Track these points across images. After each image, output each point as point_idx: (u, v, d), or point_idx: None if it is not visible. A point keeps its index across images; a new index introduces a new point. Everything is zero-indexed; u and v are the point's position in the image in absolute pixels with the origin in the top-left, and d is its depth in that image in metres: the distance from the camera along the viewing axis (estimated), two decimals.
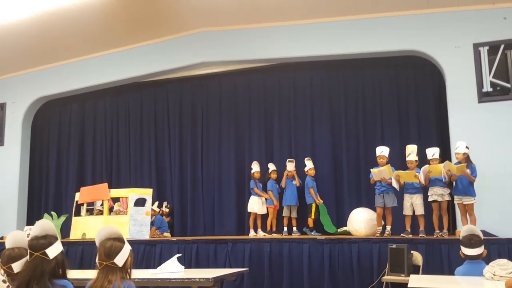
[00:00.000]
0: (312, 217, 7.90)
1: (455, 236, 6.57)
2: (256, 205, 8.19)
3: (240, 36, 8.82)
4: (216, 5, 8.20)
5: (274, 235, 7.85)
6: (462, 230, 4.08)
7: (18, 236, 3.00)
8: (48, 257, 2.66)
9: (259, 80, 9.37)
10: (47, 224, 2.83)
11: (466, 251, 3.87)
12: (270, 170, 8.38)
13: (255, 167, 8.41)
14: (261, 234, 8.03)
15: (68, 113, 10.78)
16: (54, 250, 2.70)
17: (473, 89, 7.30)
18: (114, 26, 8.74)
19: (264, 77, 9.34)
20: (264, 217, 8.25)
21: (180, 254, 5.38)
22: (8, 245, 2.96)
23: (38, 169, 10.72)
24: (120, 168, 10.18)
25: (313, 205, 7.93)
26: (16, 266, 2.84)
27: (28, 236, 2.94)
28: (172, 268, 4.76)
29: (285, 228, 8.03)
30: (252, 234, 8.06)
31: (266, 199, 8.24)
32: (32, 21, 8.25)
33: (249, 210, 8.27)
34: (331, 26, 8.27)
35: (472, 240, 3.87)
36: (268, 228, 8.15)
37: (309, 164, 8.12)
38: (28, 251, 2.69)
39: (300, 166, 8.33)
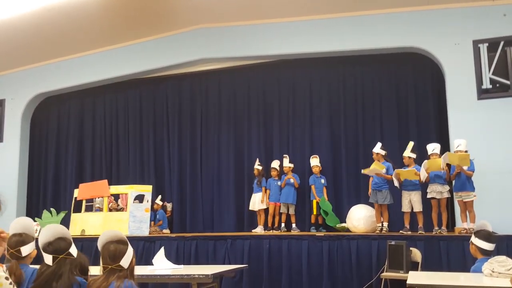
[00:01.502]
0: (314, 213, 7.92)
1: (454, 233, 6.59)
2: (252, 202, 8.24)
3: (239, 32, 8.80)
4: (215, 2, 8.17)
5: (274, 232, 7.86)
6: (477, 225, 4.06)
7: (25, 223, 3.11)
8: (73, 256, 2.76)
9: (258, 77, 9.36)
10: (59, 228, 2.89)
11: (486, 245, 3.83)
12: (271, 167, 8.35)
13: (256, 165, 8.42)
14: (261, 230, 8.05)
15: (67, 110, 10.77)
16: (75, 249, 2.81)
17: (473, 86, 7.29)
18: (113, 22, 8.72)
19: (263, 73, 9.32)
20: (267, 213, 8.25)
21: (162, 247, 5.39)
22: (14, 230, 3.03)
23: (37, 166, 10.72)
24: (119, 164, 10.17)
25: (314, 201, 7.95)
26: (25, 250, 2.94)
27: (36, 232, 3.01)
28: (165, 263, 4.78)
29: (283, 225, 8.03)
30: (254, 230, 8.09)
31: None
32: (31, 17, 8.23)
33: (250, 208, 8.32)
34: (330, 22, 8.25)
35: (490, 235, 3.88)
36: (269, 224, 8.13)
37: (312, 162, 8.13)
38: (50, 256, 2.72)
39: (302, 163, 8.36)
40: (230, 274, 5.65)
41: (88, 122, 10.55)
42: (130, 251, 2.78)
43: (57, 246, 2.73)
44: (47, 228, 2.84)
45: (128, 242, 2.82)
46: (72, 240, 2.83)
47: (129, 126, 10.20)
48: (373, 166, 6.83)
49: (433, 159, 6.46)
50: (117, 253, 2.72)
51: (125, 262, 2.72)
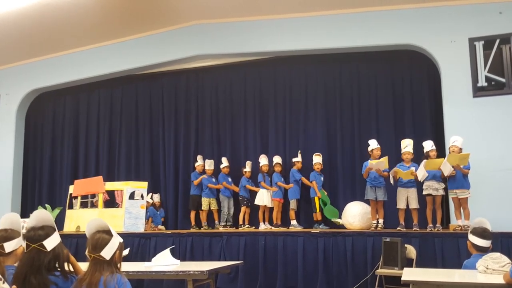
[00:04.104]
0: (317, 211, 7.92)
1: (449, 230, 6.62)
2: (265, 198, 8.21)
3: (235, 29, 8.78)
4: None
5: (274, 228, 7.87)
6: (474, 222, 4.13)
7: (12, 218, 2.95)
8: (46, 249, 2.62)
9: (255, 74, 9.35)
10: (45, 215, 2.78)
11: (480, 241, 3.87)
12: (274, 163, 8.35)
13: (263, 160, 8.40)
14: (268, 227, 8.04)
15: (62, 105, 10.73)
16: (51, 242, 2.66)
17: (468, 83, 7.31)
18: (108, 18, 8.68)
19: (259, 70, 9.31)
20: (271, 210, 8.27)
21: (174, 246, 5.39)
22: (1, 226, 2.91)
23: (32, 161, 10.68)
24: (114, 160, 10.13)
25: (316, 198, 7.94)
26: (8, 246, 2.80)
27: (23, 228, 2.89)
28: (166, 261, 4.76)
29: (294, 221, 8.03)
30: (262, 227, 8.05)
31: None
32: (26, 12, 8.17)
33: (256, 202, 8.27)
34: (326, 19, 8.24)
35: (485, 232, 3.91)
36: (274, 221, 8.15)
37: (315, 159, 8.15)
38: (25, 242, 2.65)
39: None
40: (225, 270, 5.66)
41: (83, 118, 10.51)
42: (114, 242, 2.71)
43: (33, 234, 2.64)
44: (33, 215, 2.78)
45: (114, 234, 2.75)
46: (53, 231, 2.70)
47: (124, 122, 10.16)
48: (383, 159, 6.78)
49: (432, 160, 6.48)
50: (99, 243, 2.67)
51: (107, 252, 2.66)
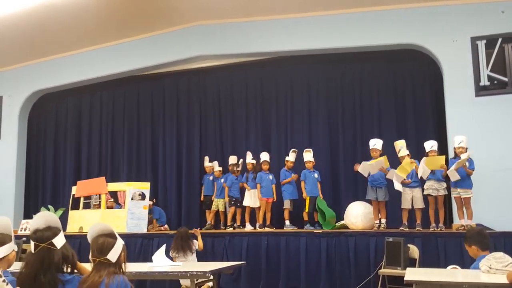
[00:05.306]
0: (306, 210, 7.71)
1: (452, 229, 6.61)
2: (247, 198, 7.99)
3: (237, 29, 8.79)
4: None
5: (268, 229, 7.81)
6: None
7: (2, 223, 2.88)
8: (56, 247, 2.64)
9: (256, 74, 9.35)
10: (51, 216, 2.80)
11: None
12: (261, 160, 8.03)
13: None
14: (250, 228, 7.83)
15: (64, 107, 10.75)
16: (60, 240, 2.69)
17: (470, 83, 7.30)
18: (110, 19, 8.69)
19: (261, 70, 9.32)
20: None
21: (164, 244, 5.40)
22: None
23: (35, 163, 10.70)
24: (116, 161, 10.15)
25: (307, 198, 7.67)
26: (0, 252, 2.75)
27: (24, 230, 2.89)
28: (163, 261, 4.78)
29: (287, 222, 7.75)
30: (248, 227, 7.88)
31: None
32: (28, 14, 8.19)
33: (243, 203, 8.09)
34: (328, 19, 8.24)
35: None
36: (260, 221, 7.85)
37: (306, 156, 7.82)
38: (33, 243, 2.66)
39: (299, 159, 8.32)
40: (228, 271, 5.66)
41: (85, 119, 10.54)
42: (118, 244, 2.73)
43: (41, 235, 2.66)
44: (38, 216, 2.79)
45: (118, 236, 2.77)
46: (59, 231, 2.74)
47: (126, 123, 10.18)
48: (381, 158, 6.71)
49: (432, 157, 6.46)
50: (104, 246, 2.69)
51: (112, 255, 2.68)
